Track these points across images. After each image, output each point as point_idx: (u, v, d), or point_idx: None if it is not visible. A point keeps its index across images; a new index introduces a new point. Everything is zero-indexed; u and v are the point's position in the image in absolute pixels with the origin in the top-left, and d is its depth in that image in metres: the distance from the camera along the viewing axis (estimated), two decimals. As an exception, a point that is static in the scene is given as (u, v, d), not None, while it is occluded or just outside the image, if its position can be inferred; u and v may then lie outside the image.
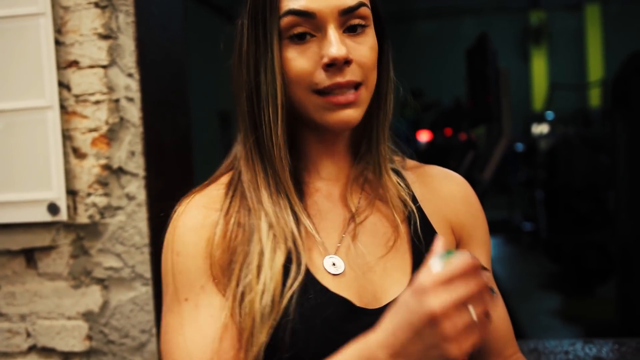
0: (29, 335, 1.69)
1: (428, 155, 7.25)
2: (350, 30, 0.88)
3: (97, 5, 1.63)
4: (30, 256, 1.69)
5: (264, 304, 0.83)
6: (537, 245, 7.62)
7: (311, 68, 0.87)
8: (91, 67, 1.65)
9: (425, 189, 1.05)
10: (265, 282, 0.83)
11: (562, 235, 6.40)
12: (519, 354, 1.08)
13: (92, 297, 1.68)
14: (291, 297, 0.84)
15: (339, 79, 0.86)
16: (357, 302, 0.89)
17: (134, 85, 1.65)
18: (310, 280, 0.87)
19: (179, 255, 0.89)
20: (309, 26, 0.87)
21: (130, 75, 1.65)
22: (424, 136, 8.58)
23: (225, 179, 0.97)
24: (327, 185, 0.98)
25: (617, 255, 4.79)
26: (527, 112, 10.36)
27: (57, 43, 1.65)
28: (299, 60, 0.87)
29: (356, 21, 0.88)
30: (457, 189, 1.08)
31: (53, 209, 1.64)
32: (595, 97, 10.76)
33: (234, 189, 0.93)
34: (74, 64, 1.66)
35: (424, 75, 9.54)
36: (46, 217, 1.64)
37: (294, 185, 0.93)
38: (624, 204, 4.55)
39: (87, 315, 1.68)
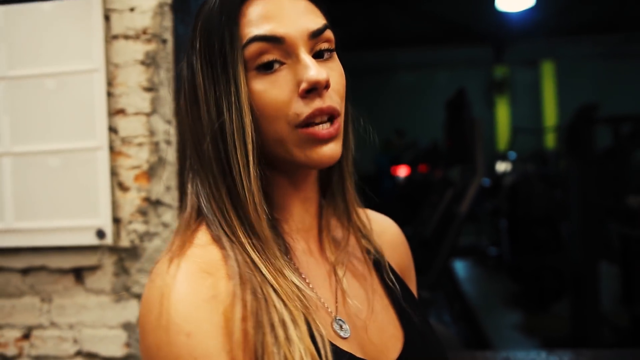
0: (75, 341, 1.70)
1: (407, 188, 7.29)
2: (317, 56, 0.71)
3: (142, 63, 1.68)
4: (79, 274, 1.71)
5: None
6: (501, 267, 7.61)
7: (287, 98, 0.68)
8: (136, 114, 1.68)
9: (376, 235, 0.87)
10: (300, 355, 0.62)
11: (522, 258, 6.40)
12: None
13: (131, 310, 1.69)
14: None
15: (320, 104, 0.67)
16: None
17: (172, 130, 1.68)
18: (336, 349, 0.67)
19: (191, 337, 0.61)
20: (278, 52, 0.68)
21: (168, 122, 1.68)
22: (402, 171, 8.61)
23: (204, 237, 0.71)
24: (303, 238, 0.77)
25: (570, 277, 4.83)
26: (492, 152, 10.42)
27: (108, 94, 1.68)
28: (273, 92, 0.68)
29: (324, 45, 0.71)
30: (398, 234, 0.94)
31: (100, 234, 1.66)
32: (550, 140, 10.86)
33: (232, 248, 0.68)
34: (122, 111, 1.69)
35: (403, 119, 9.64)
36: (94, 240, 1.66)
37: (276, 240, 0.71)
38: (575, 232, 4.61)
39: (126, 326, 1.69)
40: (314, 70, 0.66)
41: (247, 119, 0.67)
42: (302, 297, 0.66)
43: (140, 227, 1.69)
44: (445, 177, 5.19)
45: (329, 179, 0.80)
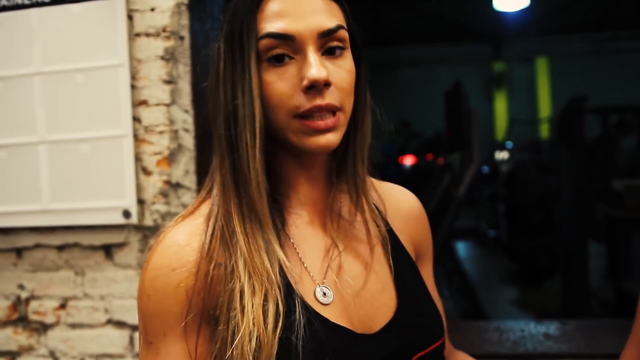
0: (106, 311, 1.73)
1: (414, 175, 7.26)
2: (328, 52, 0.70)
3: (162, 58, 1.68)
4: (108, 250, 1.73)
5: (253, 347, 0.63)
6: (499, 247, 7.58)
7: (290, 91, 0.68)
8: (157, 105, 1.69)
9: (390, 208, 0.86)
10: (249, 323, 0.63)
11: (518, 239, 6.38)
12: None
13: (155, 282, 1.71)
14: (286, 333, 0.65)
15: (319, 102, 0.67)
16: (353, 329, 0.71)
17: (190, 119, 1.69)
18: (310, 312, 0.68)
19: (149, 299, 0.69)
20: (288, 48, 0.68)
21: (186, 111, 1.69)
22: (409, 160, 8.57)
23: (205, 208, 0.73)
24: (307, 212, 0.77)
25: (561, 256, 4.80)
26: (492, 141, 10.33)
27: (132, 87, 1.69)
28: (278, 84, 0.68)
29: (335, 43, 0.70)
30: (415, 208, 0.90)
31: (126, 214, 1.68)
32: (544, 130, 10.75)
33: (214, 222, 0.70)
34: (144, 102, 1.70)
35: (408, 112, 9.57)
36: (121, 220, 1.68)
37: (276, 213, 0.73)
38: (567, 215, 4.57)
39: (151, 296, 1.70)
40: (314, 69, 0.66)
41: (257, 105, 0.68)
42: (271, 273, 0.66)
43: (162, 207, 1.70)
44: (446, 163, 5.17)
45: (343, 161, 0.78)
